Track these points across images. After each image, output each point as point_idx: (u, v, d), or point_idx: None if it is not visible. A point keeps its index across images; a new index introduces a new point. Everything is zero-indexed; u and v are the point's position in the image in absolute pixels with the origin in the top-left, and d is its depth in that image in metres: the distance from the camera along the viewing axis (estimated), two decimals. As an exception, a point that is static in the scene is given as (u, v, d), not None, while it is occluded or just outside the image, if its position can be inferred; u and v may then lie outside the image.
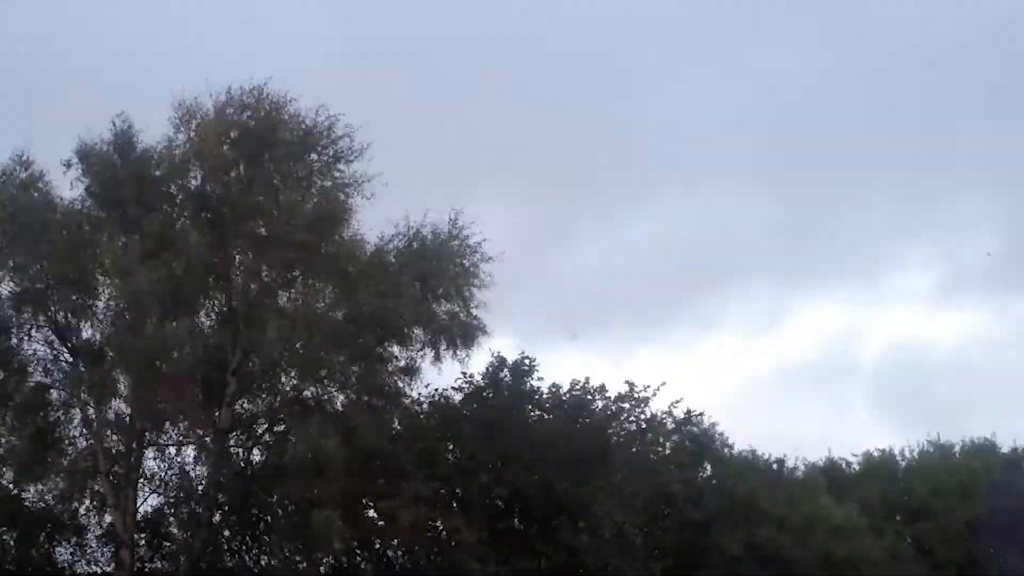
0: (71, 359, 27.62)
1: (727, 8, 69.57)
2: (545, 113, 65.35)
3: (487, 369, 30.07)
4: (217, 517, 28.43)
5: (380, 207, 27.70)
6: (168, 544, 29.06)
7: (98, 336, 27.80)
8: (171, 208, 27.29)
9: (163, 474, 28.67)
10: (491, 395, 29.92)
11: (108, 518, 28.22)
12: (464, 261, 28.18)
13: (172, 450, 28.66)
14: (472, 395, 30.07)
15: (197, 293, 27.32)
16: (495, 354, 29.88)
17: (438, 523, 28.22)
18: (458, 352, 28.29)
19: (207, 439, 27.63)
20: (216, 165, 26.46)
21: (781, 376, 67.09)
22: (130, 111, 27.17)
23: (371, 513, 28.63)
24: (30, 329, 27.32)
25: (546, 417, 30.21)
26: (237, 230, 26.85)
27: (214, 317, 28.15)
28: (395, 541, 28.89)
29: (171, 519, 28.82)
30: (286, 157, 26.62)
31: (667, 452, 32.52)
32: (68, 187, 26.90)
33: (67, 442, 27.95)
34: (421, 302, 27.45)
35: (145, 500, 28.46)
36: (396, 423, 28.82)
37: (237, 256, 27.48)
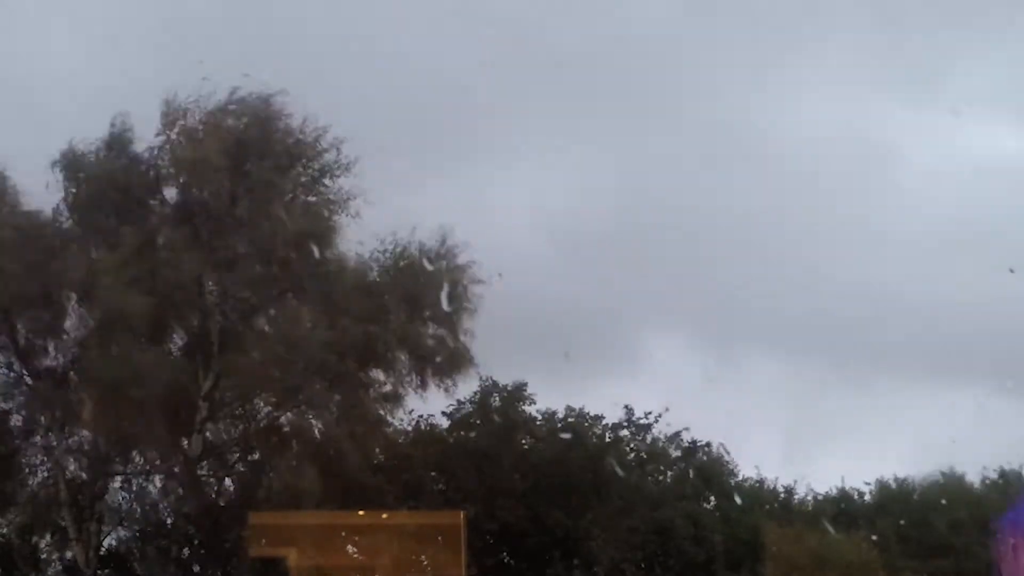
0: (33, 382, 26.44)
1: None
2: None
3: (477, 394, 28.72)
4: (186, 552, 27.38)
5: (378, 219, 26.53)
6: (134, 580, 28.11)
7: (62, 358, 26.80)
8: (150, 219, 26.16)
9: (129, 505, 27.72)
10: (480, 422, 28.72)
11: (69, 553, 27.16)
12: (453, 282, 26.77)
13: (138, 480, 27.64)
14: (460, 422, 28.90)
15: (171, 314, 26.13)
16: (486, 379, 28.53)
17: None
18: (444, 379, 27.09)
19: (176, 468, 26.70)
20: (202, 172, 25.13)
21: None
22: (99, 117, 25.97)
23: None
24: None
25: (539, 446, 28.94)
26: (216, 244, 25.67)
27: (186, 338, 26.97)
28: (377, 577, 27.50)
29: (137, 554, 27.87)
30: (273, 169, 25.52)
31: (668, 481, 31.13)
32: (45, 190, 25.63)
33: (27, 471, 27.02)
34: (407, 326, 26.26)
35: (109, 533, 27.61)
36: (379, 452, 27.69)
37: (214, 274, 26.17)
